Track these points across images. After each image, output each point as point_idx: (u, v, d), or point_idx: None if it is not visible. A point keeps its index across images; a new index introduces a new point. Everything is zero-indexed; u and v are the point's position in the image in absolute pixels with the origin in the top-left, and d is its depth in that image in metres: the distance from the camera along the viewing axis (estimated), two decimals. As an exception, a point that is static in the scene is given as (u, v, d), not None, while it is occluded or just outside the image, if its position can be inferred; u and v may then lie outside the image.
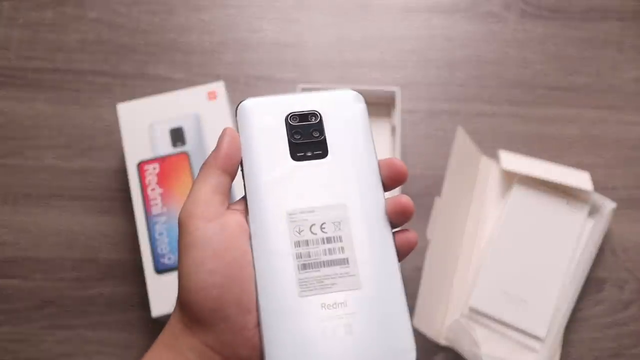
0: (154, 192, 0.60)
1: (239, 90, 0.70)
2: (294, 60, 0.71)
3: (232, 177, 0.36)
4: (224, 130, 0.36)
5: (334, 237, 0.34)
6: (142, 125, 0.62)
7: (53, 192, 0.66)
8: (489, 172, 0.67)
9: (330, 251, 0.34)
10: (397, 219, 0.35)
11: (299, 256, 0.34)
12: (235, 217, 0.34)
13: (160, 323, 0.62)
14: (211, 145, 0.61)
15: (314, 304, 0.33)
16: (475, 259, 0.64)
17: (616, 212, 0.65)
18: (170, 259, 0.58)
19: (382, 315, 0.33)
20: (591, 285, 0.63)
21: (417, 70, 0.71)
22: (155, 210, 0.59)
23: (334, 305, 0.33)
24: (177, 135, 0.62)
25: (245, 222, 0.34)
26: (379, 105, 0.66)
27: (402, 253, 0.35)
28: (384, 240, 0.35)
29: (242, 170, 0.36)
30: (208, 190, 0.35)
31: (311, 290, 0.33)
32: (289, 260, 0.34)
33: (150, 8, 0.73)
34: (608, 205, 0.64)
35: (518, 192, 0.65)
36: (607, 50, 0.71)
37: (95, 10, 0.73)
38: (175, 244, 0.58)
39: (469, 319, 0.62)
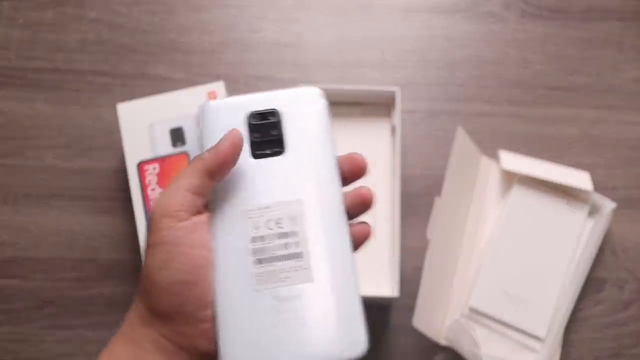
0: (154, 192, 0.60)
1: (239, 90, 0.70)
2: (294, 60, 0.71)
3: (218, 181, 0.36)
4: (230, 133, 0.36)
5: (289, 233, 0.36)
6: (142, 125, 0.62)
7: (53, 192, 0.66)
8: (489, 172, 0.67)
9: (286, 246, 0.35)
10: (356, 209, 0.36)
11: (255, 252, 0.35)
12: (207, 217, 0.36)
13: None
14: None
15: (268, 298, 0.34)
16: (475, 259, 0.64)
17: (616, 212, 0.65)
18: (170, 259, 0.58)
19: (335, 308, 0.34)
20: (591, 285, 0.63)
21: (417, 70, 0.71)
22: (155, 210, 0.59)
23: (288, 299, 0.34)
24: (177, 135, 0.62)
25: None
26: (379, 105, 0.67)
27: (357, 244, 0.36)
28: (340, 234, 0.36)
29: None
30: (188, 190, 0.35)
31: (266, 284, 0.35)
32: (246, 255, 0.35)
33: (150, 8, 0.73)
34: (608, 205, 0.64)
35: (518, 192, 0.65)
36: (607, 50, 0.71)
37: (95, 10, 0.73)
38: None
39: (469, 319, 0.62)
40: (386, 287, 0.61)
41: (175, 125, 0.62)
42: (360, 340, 0.34)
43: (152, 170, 0.61)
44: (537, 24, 0.72)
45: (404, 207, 0.65)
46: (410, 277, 0.63)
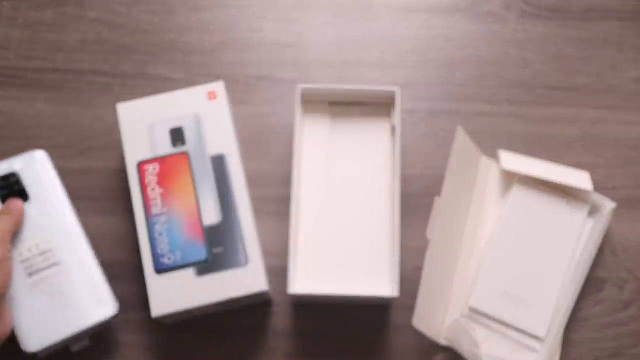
0: (154, 192, 0.60)
1: (239, 90, 0.70)
2: (294, 60, 0.71)
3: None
4: (16, 204, 0.58)
5: (46, 251, 0.58)
6: (142, 125, 0.62)
7: (53, 192, 0.66)
8: (489, 172, 0.67)
9: (45, 260, 0.57)
10: None
11: (25, 269, 0.57)
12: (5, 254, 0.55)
13: (161, 323, 0.62)
14: (211, 145, 0.61)
15: (43, 294, 0.56)
16: (475, 259, 0.64)
17: (616, 212, 0.65)
18: (170, 259, 0.58)
19: (87, 288, 0.57)
20: (591, 285, 0.63)
21: (417, 70, 0.71)
22: (155, 210, 0.59)
23: (56, 292, 0.57)
24: (177, 135, 0.62)
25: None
26: (379, 105, 0.66)
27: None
28: (79, 242, 0.59)
29: None
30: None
31: (39, 287, 0.57)
32: (22, 273, 0.57)
33: (150, 8, 0.73)
34: (608, 205, 0.64)
35: (518, 192, 0.65)
36: (607, 50, 0.71)
37: (95, 10, 0.73)
38: (176, 244, 0.58)
39: (469, 319, 0.62)
40: (386, 287, 0.61)
41: (175, 125, 0.62)
42: (108, 304, 0.57)
43: (152, 170, 0.61)
44: (537, 24, 0.72)
45: (404, 207, 0.65)
46: (410, 277, 0.63)
